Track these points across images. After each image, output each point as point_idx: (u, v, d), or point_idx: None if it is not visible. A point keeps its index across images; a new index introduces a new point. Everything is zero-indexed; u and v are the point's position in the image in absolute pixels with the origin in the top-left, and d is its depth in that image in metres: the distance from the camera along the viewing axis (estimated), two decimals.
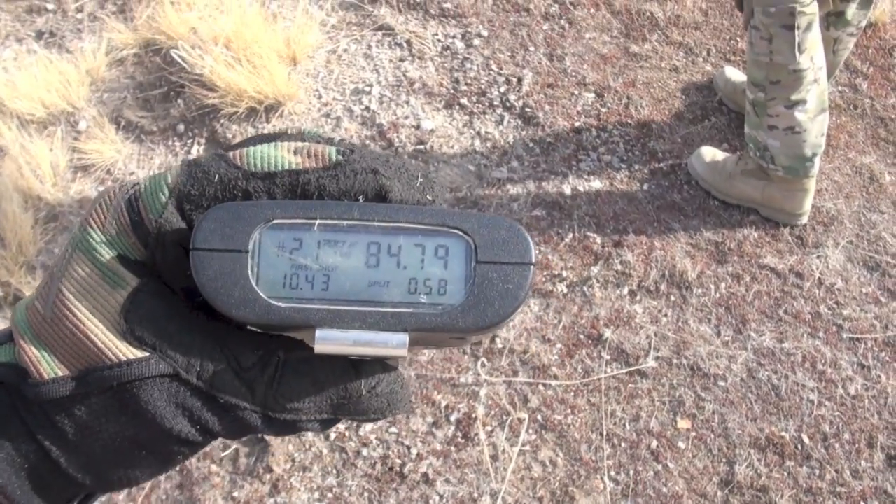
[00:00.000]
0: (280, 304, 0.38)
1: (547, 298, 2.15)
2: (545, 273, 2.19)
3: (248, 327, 0.40)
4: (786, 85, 2.03)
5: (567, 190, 2.36)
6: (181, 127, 2.58)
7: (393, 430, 1.95)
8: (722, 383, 2.03)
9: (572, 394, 2.01)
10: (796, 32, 1.94)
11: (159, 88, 2.71)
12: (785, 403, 2.00)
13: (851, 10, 2.16)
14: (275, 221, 0.39)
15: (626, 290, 2.17)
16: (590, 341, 2.08)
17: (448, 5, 2.85)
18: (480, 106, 2.57)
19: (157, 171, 0.38)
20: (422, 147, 2.46)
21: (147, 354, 0.38)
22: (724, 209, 2.31)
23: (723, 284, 2.19)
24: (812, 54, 1.99)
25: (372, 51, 2.76)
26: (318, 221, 0.39)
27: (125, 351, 0.38)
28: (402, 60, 2.72)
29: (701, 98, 2.57)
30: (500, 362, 2.05)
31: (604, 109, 2.54)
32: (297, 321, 0.38)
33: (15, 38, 2.96)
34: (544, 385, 2.02)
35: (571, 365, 2.05)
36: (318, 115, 2.58)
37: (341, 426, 1.96)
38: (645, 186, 2.36)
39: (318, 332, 0.38)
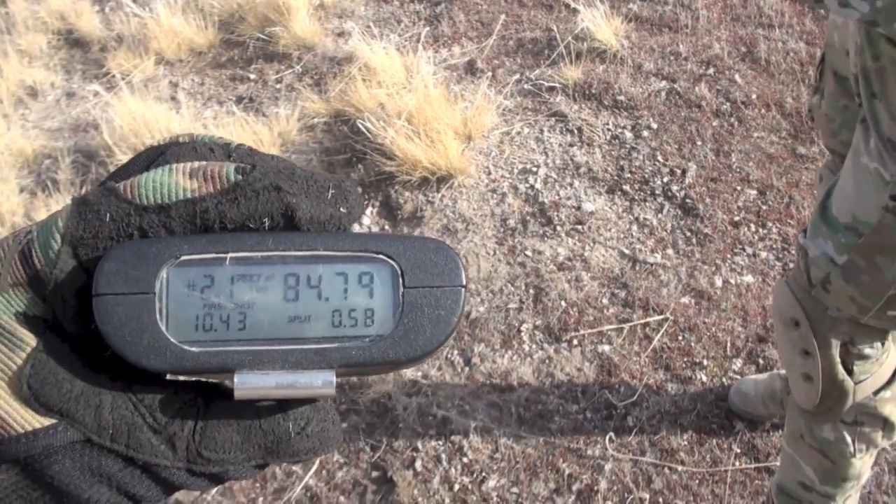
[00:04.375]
0: (193, 348, 0.37)
1: (685, 385, 2.24)
2: (685, 359, 2.28)
3: (167, 376, 0.38)
4: None
5: (718, 282, 2.45)
6: (359, 190, 2.87)
7: (514, 489, 2.08)
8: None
9: (697, 481, 2.08)
10: None
11: (343, 154, 3.02)
12: None
13: None
14: (183, 258, 0.37)
15: None
16: (722, 431, 2.15)
17: (622, 97, 3.04)
18: (642, 194, 2.72)
19: (48, 216, 0.39)
20: (580, 227, 2.63)
21: (54, 422, 0.36)
22: None
23: None
24: None
25: (544, 135, 2.97)
26: (229, 255, 0.37)
27: (30, 420, 0.36)
28: (571, 145, 2.92)
29: None
30: (628, 438, 2.14)
31: (765, 207, 2.62)
32: (213, 366, 0.37)
33: (217, 100, 3.39)
34: (670, 468, 2.10)
35: (700, 453, 2.12)
36: (486, 190, 2.80)
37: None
38: None
39: (236, 377, 0.37)
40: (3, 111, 3.46)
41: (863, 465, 1.59)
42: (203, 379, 0.39)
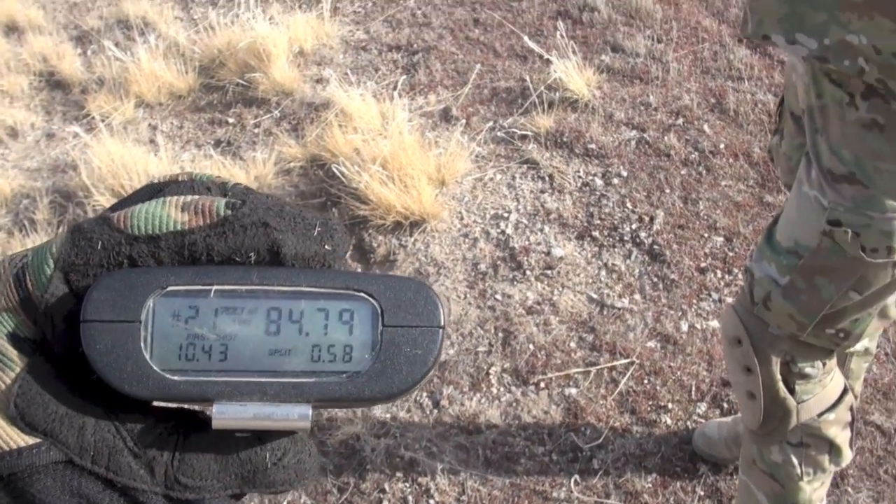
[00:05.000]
0: (175, 377, 0.38)
1: (650, 428, 2.27)
2: (650, 402, 2.31)
3: (154, 402, 0.40)
4: None
5: (684, 326, 2.49)
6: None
7: None
8: None
9: None
10: None
11: (318, 198, 3.06)
12: None
13: None
14: (169, 289, 0.38)
15: None
16: (686, 474, 2.17)
17: (593, 146, 3.10)
18: (611, 240, 2.77)
19: (44, 241, 0.41)
20: (549, 272, 2.67)
21: (38, 441, 0.37)
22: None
23: None
24: None
25: (515, 181, 3.03)
26: (214, 287, 0.38)
27: (15, 438, 0.37)
28: (542, 192, 2.97)
29: None
30: (594, 481, 2.16)
31: (731, 253, 2.67)
32: (193, 395, 0.38)
33: (195, 143, 3.43)
34: None
35: (664, 495, 2.14)
36: (458, 235, 2.84)
37: None
38: None
39: (215, 407, 0.38)
40: None
41: (813, 491, 1.63)
42: (186, 407, 0.40)
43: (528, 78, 3.42)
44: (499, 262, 2.73)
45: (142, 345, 0.38)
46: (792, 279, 1.32)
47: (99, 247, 0.38)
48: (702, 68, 3.38)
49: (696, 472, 2.17)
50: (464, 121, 3.31)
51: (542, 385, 2.38)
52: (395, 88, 3.52)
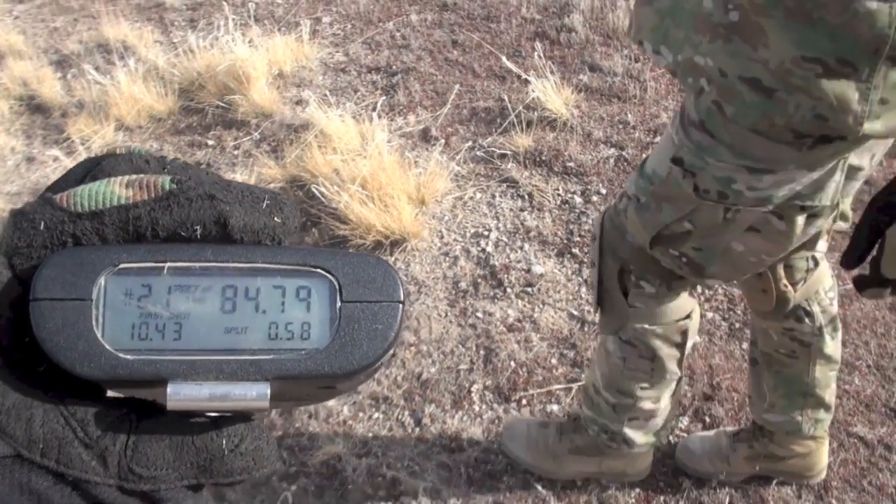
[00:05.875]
0: (128, 356, 0.36)
1: None
2: None
3: (107, 391, 0.38)
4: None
5: None
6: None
7: None
8: None
9: None
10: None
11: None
12: None
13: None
14: (121, 266, 0.37)
15: None
16: (669, 489, 2.14)
17: (571, 164, 3.09)
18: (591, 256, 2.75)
19: None
20: (529, 289, 2.65)
21: None
22: None
23: None
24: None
25: (495, 200, 3.01)
26: (167, 265, 0.37)
27: None
28: (521, 210, 2.96)
29: None
30: (577, 497, 2.13)
31: None
32: (146, 375, 0.36)
33: None
34: None
35: None
36: (438, 253, 2.82)
37: None
38: (744, 345, 2.45)
39: (169, 387, 0.36)
40: None
41: (641, 390, 1.80)
42: (138, 395, 0.38)
43: (506, 98, 3.41)
44: (479, 280, 2.71)
45: (93, 323, 0.36)
46: (647, 200, 1.51)
47: (42, 227, 0.37)
48: (679, 87, 3.38)
49: (679, 486, 2.15)
50: (443, 140, 3.30)
51: (524, 402, 2.36)
52: (374, 109, 3.50)
